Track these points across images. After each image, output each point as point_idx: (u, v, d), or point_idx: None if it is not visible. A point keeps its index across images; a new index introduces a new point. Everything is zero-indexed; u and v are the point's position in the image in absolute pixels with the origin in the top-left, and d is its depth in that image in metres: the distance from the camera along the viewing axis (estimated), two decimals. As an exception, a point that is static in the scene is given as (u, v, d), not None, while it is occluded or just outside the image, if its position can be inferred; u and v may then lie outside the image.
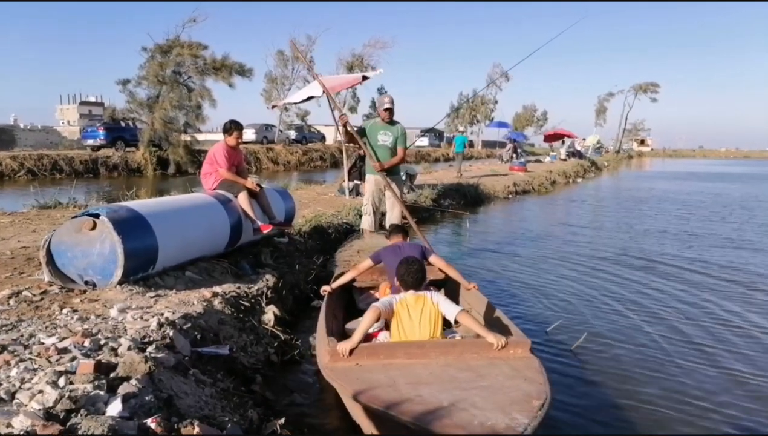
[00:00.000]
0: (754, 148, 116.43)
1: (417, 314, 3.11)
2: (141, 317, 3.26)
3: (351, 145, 6.18)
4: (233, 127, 5.38)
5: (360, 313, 4.28)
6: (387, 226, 5.99)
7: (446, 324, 3.26)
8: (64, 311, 3.36)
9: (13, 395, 2.12)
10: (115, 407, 2.07)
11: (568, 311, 5.28)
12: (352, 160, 11.72)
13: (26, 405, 2.04)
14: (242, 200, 5.16)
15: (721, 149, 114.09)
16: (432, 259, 4.02)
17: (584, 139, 41.08)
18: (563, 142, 34.90)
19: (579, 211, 13.99)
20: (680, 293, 5.90)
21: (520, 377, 2.58)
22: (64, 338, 2.81)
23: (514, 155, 26.73)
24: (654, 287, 6.13)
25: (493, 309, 3.72)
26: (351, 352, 2.79)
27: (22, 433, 1.83)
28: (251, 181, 5.44)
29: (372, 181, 5.95)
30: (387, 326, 3.32)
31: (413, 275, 3.21)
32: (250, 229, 5.22)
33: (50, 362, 2.47)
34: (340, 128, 6.27)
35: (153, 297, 3.75)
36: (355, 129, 5.94)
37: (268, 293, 4.60)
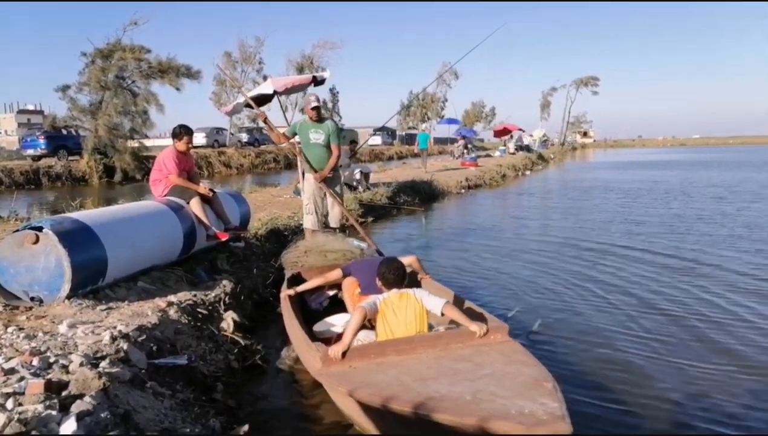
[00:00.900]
0: (689, 136, 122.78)
1: (402, 311, 3.15)
2: (92, 332, 3.15)
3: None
4: (182, 131, 5.24)
5: (311, 314, 4.28)
6: (329, 224, 6.03)
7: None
8: (9, 329, 3.20)
9: (-44, 422, 2.01)
10: (69, 427, 1.99)
11: (523, 298, 5.44)
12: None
13: (-28, 431, 1.94)
14: (195, 206, 5.05)
15: (659, 138, 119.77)
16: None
17: (531, 136, 42.16)
18: (512, 137, 35.79)
19: (529, 203, 14.39)
20: (628, 276, 6.15)
21: (514, 362, 2.68)
22: (10, 358, 2.67)
23: (465, 151, 27.17)
24: (602, 272, 6.38)
25: (462, 300, 3.81)
26: (343, 355, 2.81)
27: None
28: (203, 187, 5.33)
29: (311, 179, 5.95)
30: (372, 326, 3.35)
31: (395, 272, 3.27)
32: (204, 235, 5.11)
33: (-4, 384, 2.36)
34: (265, 126, 6.32)
35: (104, 310, 3.62)
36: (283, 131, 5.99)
37: (226, 299, 4.52)
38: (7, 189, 17.53)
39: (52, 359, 2.65)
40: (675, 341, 4.27)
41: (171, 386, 2.93)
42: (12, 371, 2.49)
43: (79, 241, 3.71)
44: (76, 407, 2.15)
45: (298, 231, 7.52)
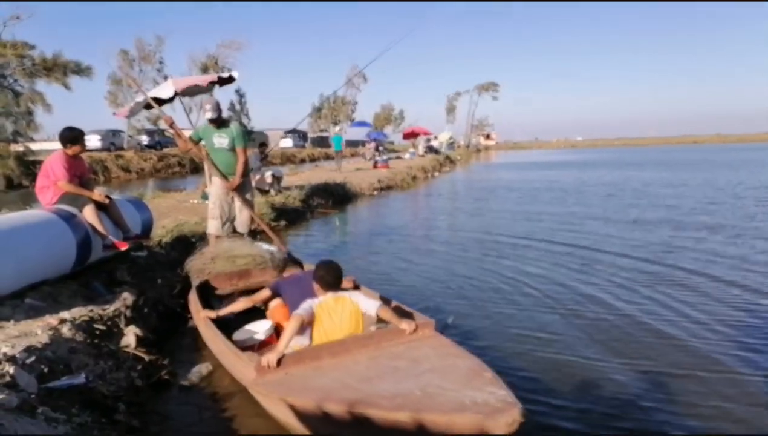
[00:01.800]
0: (580, 138, 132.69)
1: (338, 315, 3.12)
2: (-29, 357, 2.83)
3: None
4: (71, 135, 4.84)
5: (223, 321, 4.12)
6: (237, 229, 5.88)
7: None
8: None
9: None
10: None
11: (436, 295, 5.61)
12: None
13: None
14: (89, 214, 4.68)
15: (553, 140, 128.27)
16: None
17: (436, 138, 43.55)
18: (421, 140, 36.80)
19: (439, 204, 14.86)
20: (531, 269, 6.52)
21: (448, 355, 2.76)
22: None
23: (377, 153, 27.54)
24: (507, 267, 6.70)
25: (389, 300, 3.85)
26: (278, 363, 2.74)
27: None
28: (98, 193, 4.95)
29: (218, 183, 5.79)
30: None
31: (333, 272, 3.23)
32: (100, 245, 4.76)
33: None
34: (170, 132, 6.02)
35: (-15, 332, 3.28)
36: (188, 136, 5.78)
37: (127, 312, 4.24)
38: None
39: None
40: (574, 325, 4.62)
41: (66, 410, 2.73)
42: None
43: (-50, 256, 3.31)
44: (-49, 442, 1.93)
45: (206, 237, 7.23)
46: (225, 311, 3.97)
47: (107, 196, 5.06)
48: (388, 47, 7.41)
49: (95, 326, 3.82)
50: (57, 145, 4.96)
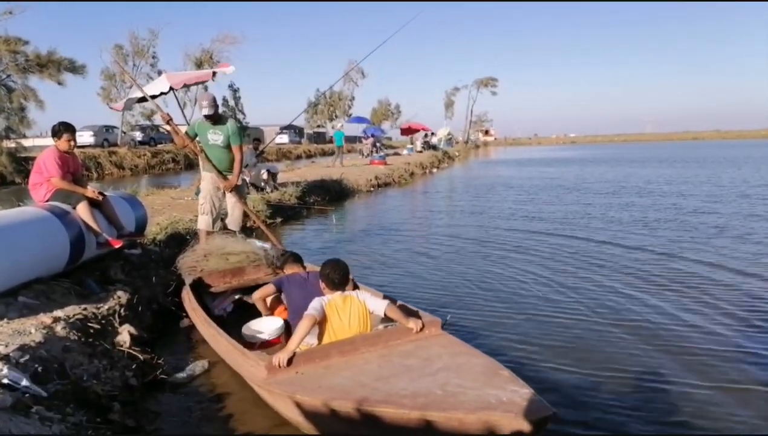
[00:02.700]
0: (580, 134, 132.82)
1: (346, 314, 3.10)
2: (-37, 356, 2.80)
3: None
4: (62, 129, 4.78)
5: (216, 321, 4.06)
6: (228, 226, 5.84)
7: None
8: None
9: None
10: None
11: (434, 293, 5.60)
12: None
13: None
14: (82, 211, 4.63)
15: (552, 136, 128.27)
16: None
17: (433, 134, 43.49)
18: (419, 136, 36.71)
19: (437, 201, 14.82)
20: (530, 268, 6.53)
21: (459, 354, 2.74)
22: None
23: (374, 149, 27.48)
24: (508, 266, 6.70)
25: (394, 300, 3.82)
26: (289, 362, 2.73)
27: None
28: (91, 190, 4.90)
29: (209, 179, 5.73)
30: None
31: (340, 271, 3.20)
32: (94, 243, 4.71)
33: None
34: (166, 128, 5.93)
35: (-23, 331, 3.24)
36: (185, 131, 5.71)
37: (121, 311, 4.21)
38: None
39: None
40: (575, 321, 4.61)
41: (61, 409, 2.70)
42: None
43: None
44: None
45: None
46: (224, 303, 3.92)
47: (101, 193, 5.01)
48: (386, 39, 7.37)
49: (89, 324, 3.80)
50: (50, 141, 4.91)
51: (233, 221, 5.84)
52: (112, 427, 2.84)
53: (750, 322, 4.56)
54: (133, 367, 3.59)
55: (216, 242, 5.14)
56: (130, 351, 3.74)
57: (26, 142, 22.11)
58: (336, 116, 54.09)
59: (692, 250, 7.25)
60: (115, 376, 3.36)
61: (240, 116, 25.96)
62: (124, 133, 31.51)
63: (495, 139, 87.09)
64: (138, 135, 32.56)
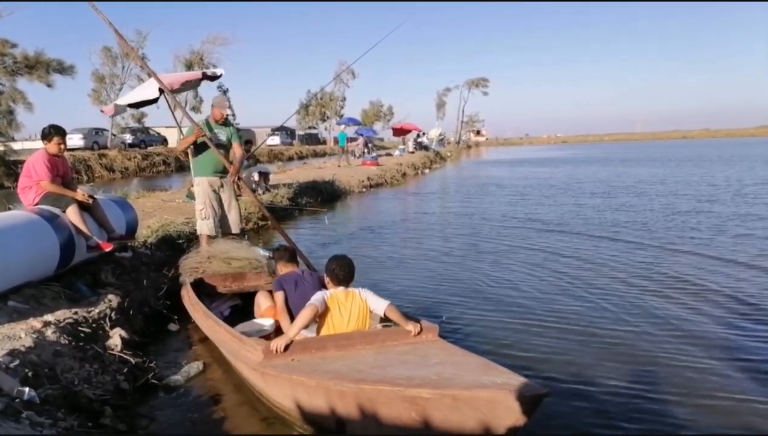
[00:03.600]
0: (570, 134, 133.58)
1: (347, 310, 3.14)
2: (-48, 362, 2.77)
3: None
4: (52, 132, 4.75)
5: None
6: (232, 230, 5.83)
7: None
8: None
9: None
10: None
11: (427, 295, 5.60)
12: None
13: None
14: (72, 215, 4.60)
15: (543, 136, 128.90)
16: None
17: (425, 134, 43.53)
18: (410, 137, 36.71)
19: (429, 202, 14.85)
20: (526, 269, 6.58)
21: (455, 355, 2.76)
22: None
23: (366, 150, 27.47)
24: (503, 267, 6.73)
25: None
26: (286, 348, 2.77)
27: None
28: (81, 193, 4.87)
29: (205, 183, 5.76)
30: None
31: (345, 268, 3.24)
32: (84, 246, 4.68)
33: None
34: (185, 141, 5.81)
35: (-34, 336, 3.21)
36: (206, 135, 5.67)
37: (112, 314, 4.19)
38: None
39: None
40: (569, 328, 4.59)
41: (51, 415, 2.69)
42: None
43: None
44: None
45: (193, 238, 7.16)
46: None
47: (91, 196, 4.98)
48: (377, 42, 7.34)
49: (80, 328, 3.78)
50: (39, 144, 4.88)
51: (232, 222, 5.89)
52: (103, 431, 2.84)
53: (748, 316, 4.64)
54: (125, 371, 3.57)
55: (220, 245, 5.17)
56: (122, 355, 3.72)
57: (15, 146, 21.93)
58: (327, 117, 54.04)
59: (692, 249, 7.34)
60: (106, 380, 3.35)
61: (230, 118, 25.86)
62: (114, 135, 31.26)
63: (486, 139, 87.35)
64: (128, 137, 32.34)
